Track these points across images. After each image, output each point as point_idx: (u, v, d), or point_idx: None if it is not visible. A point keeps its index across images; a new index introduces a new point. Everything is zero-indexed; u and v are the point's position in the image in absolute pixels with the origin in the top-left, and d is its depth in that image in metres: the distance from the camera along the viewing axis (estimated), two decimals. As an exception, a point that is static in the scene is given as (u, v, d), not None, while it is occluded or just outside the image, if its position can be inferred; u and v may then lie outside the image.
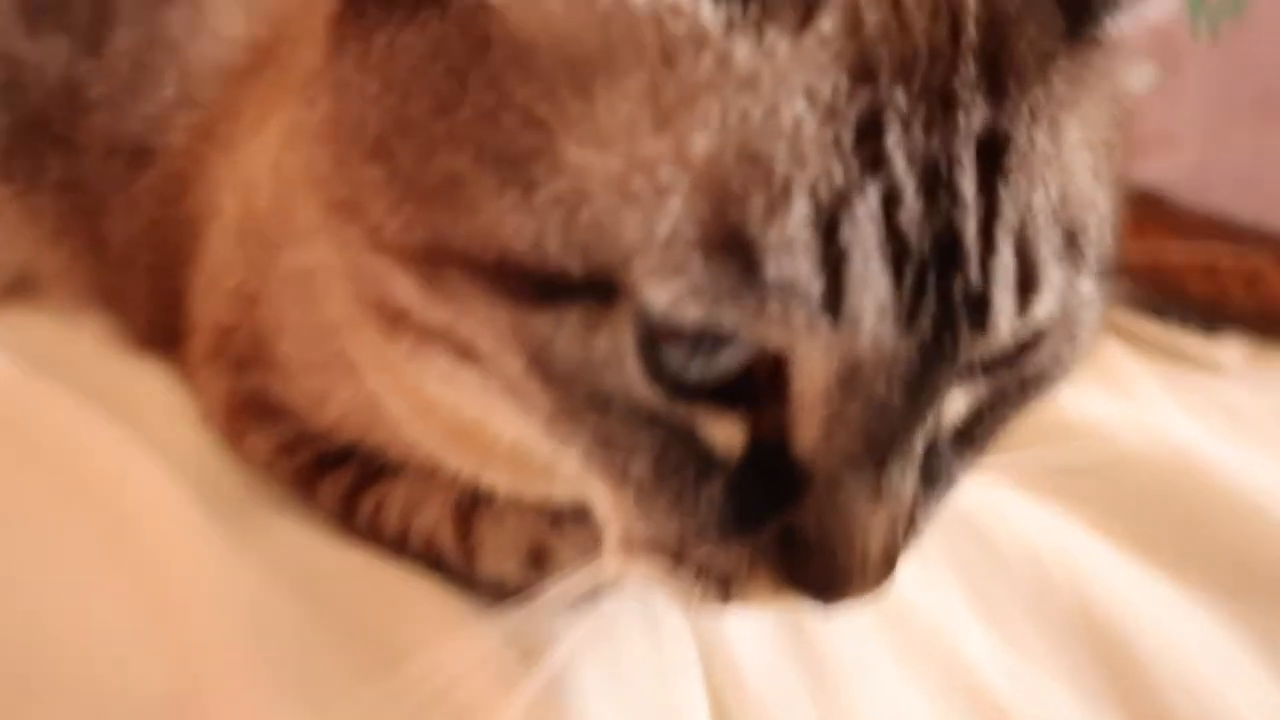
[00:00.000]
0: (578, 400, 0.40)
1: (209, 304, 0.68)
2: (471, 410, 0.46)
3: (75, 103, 0.76)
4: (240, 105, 0.70)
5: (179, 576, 0.54)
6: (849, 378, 0.39)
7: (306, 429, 0.64)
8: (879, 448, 0.41)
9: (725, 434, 0.42)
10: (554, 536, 0.59)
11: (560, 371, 0.40)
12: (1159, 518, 0.72)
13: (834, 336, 0.38)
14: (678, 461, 0.42)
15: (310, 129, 0.47)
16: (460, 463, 0.56)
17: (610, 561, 0.46)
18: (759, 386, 0.41)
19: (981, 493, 0.63)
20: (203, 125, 0.72)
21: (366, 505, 0.64)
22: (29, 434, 0.62)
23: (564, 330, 0.39)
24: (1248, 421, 0.83)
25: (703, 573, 0.44)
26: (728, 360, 0.40)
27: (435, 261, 0.41)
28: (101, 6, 0.77)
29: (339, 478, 0.65)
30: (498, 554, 0.60)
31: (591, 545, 0.51)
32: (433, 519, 0.62)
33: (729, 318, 0.37)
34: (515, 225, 0.38)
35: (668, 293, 0.37)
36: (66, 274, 0.80)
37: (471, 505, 0.61)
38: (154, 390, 0.73)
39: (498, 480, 0.56)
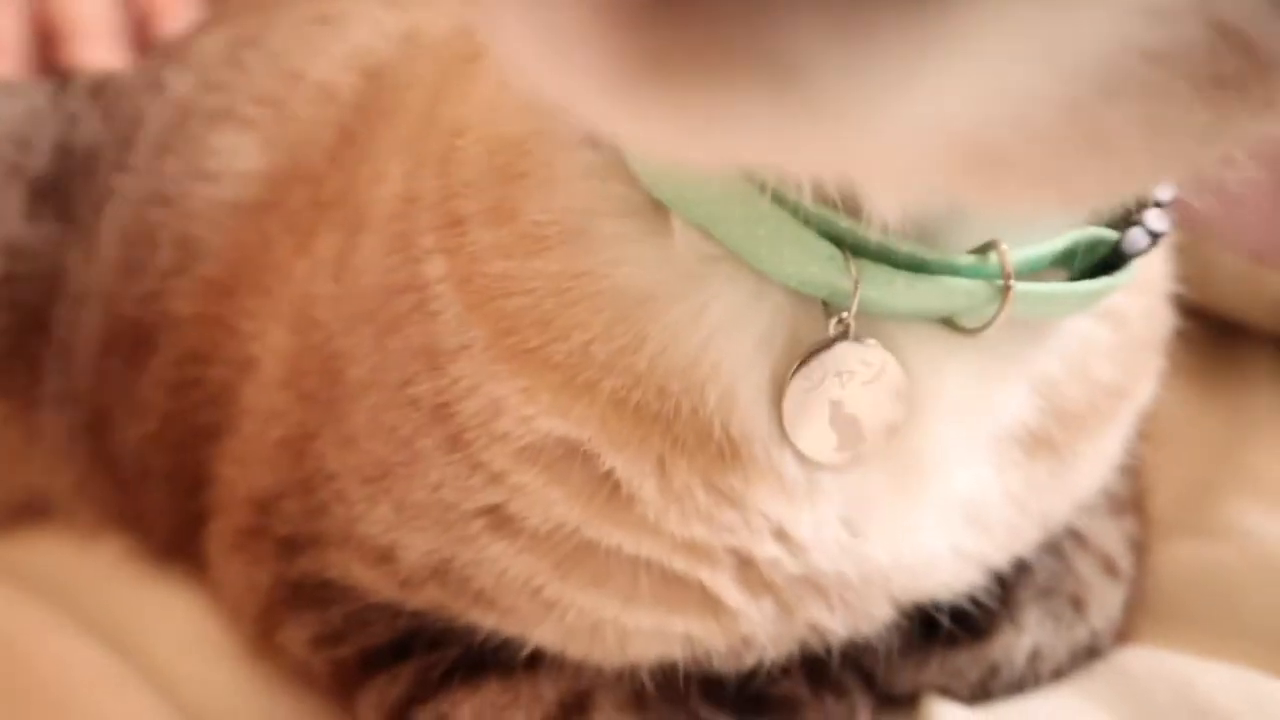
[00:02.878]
0: None
1: (245, 472, 0.58)
2: None
3: (65, 296, 0.67)
4: (265, 241, 0.62)
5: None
6: None
7: (368, 605, 0.53)
8: None
9: None
10: None
11: None
12: None
13: None
14: None
15: None
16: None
17: None
18: None
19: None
20: (215, 281, 0.63)
21: None
22: (13, 668, 0.55)
23: None
24: None
25: None
26: None
27: None
28: (101, 184, 0.68)
29: (388, 684, 0.53)
30: None
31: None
32: None
33: None
34: None
35: None
36: (78, 496, 0.70)
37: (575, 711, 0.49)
38: (169, 614, 0.64)
39: None
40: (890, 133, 0.21)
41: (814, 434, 0.43)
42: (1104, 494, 0.56)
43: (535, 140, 0.46)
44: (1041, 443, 0.48)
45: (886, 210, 0.38)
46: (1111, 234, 0.44)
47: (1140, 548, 0.61)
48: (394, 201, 0.51)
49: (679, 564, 0.45)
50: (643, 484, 0.44)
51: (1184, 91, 0.25)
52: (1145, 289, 0.52)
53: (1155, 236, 0.44)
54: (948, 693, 0.54)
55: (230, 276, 0.62)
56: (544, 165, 0.45)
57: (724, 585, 0.46)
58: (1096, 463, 0.53)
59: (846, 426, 0.43)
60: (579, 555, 0.46)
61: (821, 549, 0.45)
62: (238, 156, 0.65)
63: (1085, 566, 0.57)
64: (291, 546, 0.55)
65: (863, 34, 0.18)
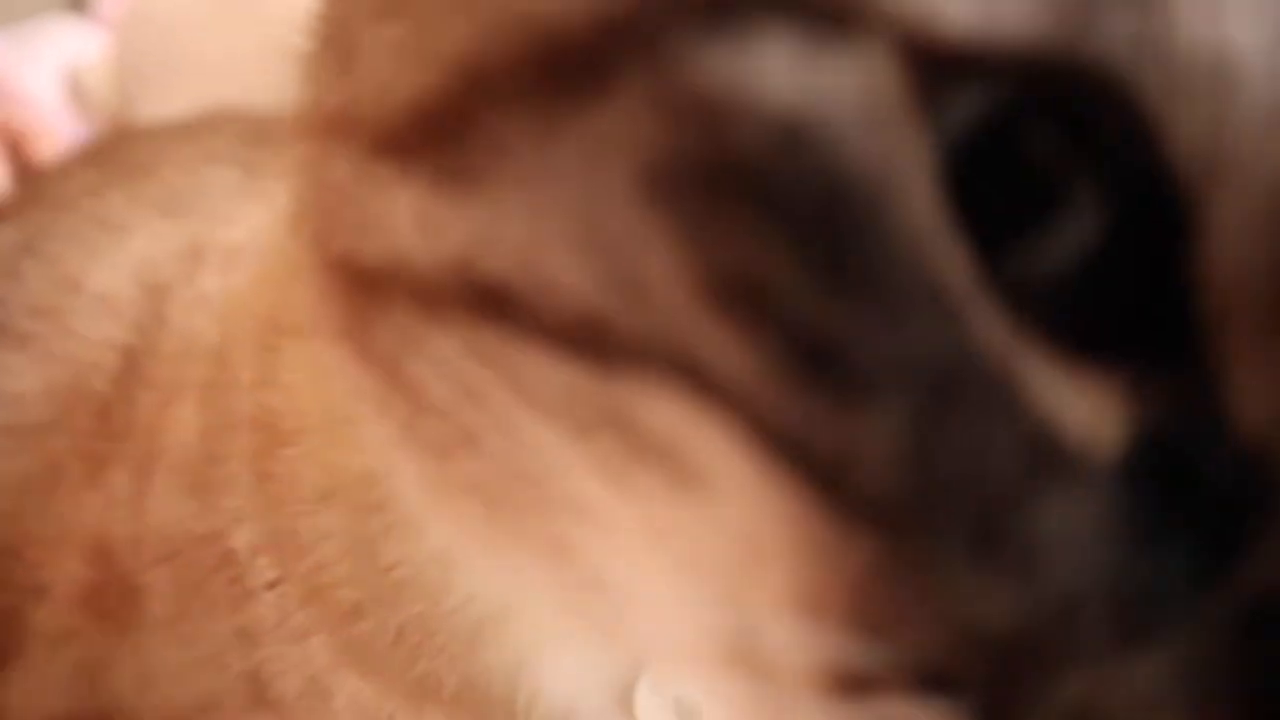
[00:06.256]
0: (728, 253, 0.22)
1: (33, 700, 0.56)
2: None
3: None
4: (52, 464, 0.60)
5: None
6: None
7: None
8: None
9: (1087, 410, 0.22)
10: None
11: (719, 183, 0.22)
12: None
13: None
14: (998, 466, 0.22)
15: None
16: None
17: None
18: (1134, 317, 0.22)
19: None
20: None
21: None
22: None
23: (745, 66, 0.22)
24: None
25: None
26: (1074, 228, 0.22)
27: (481, 84, 0.25)
28: None
29: None
30: None
31: None
32: None
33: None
34: None
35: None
36: None
37: None
38: None
39: None
40: None
41: None
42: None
43: (388, 485, 0.43)
44: None
45: None
46: None
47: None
48: (188, 450, 0.50)
49: None
50: None
51: None
52: None
53: None
54: None
55: (14, 503, 0.61)
56: (401, 514, 0.43)
57: None
58: None
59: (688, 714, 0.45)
60: None
61: None
62: (10, 376, 0.63)
63: None
64: None
65: None
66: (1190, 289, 0.22)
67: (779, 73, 0.21)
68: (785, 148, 0.21)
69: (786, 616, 0.25)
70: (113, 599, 0.53)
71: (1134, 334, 0.23)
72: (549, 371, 0.26)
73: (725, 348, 0.22)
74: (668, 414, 0.24)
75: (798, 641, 0.25)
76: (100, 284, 0.66)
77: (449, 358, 0.28)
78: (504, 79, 0.25)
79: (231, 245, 0.62)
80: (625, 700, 0.46)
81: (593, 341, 0.24)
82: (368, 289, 0.30)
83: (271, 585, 0.46)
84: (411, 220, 0.27)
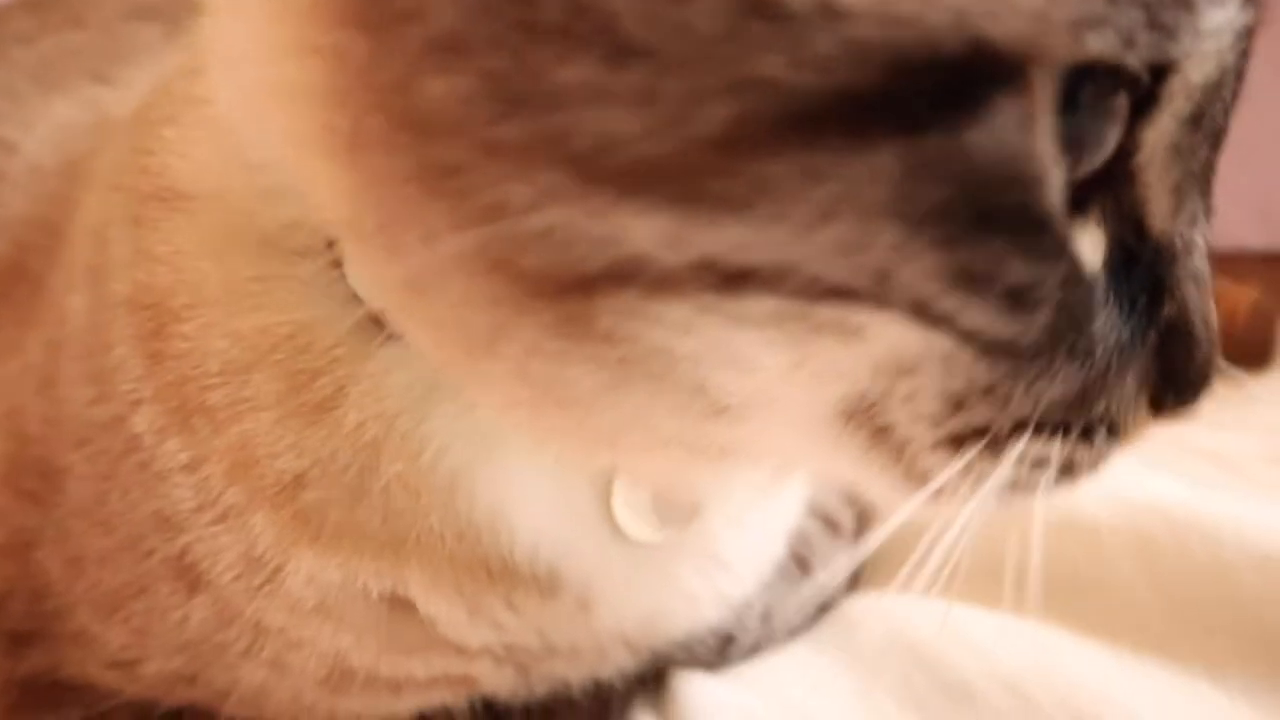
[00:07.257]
0: (967, 253, 0.33)
1: None
2: (697, 374, 0.35)
3: None
4: None
5: None
6: (1206, 99, 0.37)
7: (114, 707, 0.51)
8: (1206, 186, 0.40)
9: (1090, 243, 0.37)
10: None
11: (964, 211, 0.32)
12: (1147, 595, 0.59)
13: (1216, 36, 0.35)
14: (1069, 296, 0.35)
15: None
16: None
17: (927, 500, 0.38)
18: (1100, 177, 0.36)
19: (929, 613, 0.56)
20: None
21: None
22: None
23: (992, 139, 0.31)
24: (1232, 466, 0.70)
25: (1096, 427, 0.39)
26: (1101, 143, 0.35)
27: (743, 147, 0.31)
28: None
29: None
30: None
31: None
32: None
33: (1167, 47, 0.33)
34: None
35: (1108, 37, 0.32)
36: None
37: None
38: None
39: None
40: None
41: (637, 520, 0.48)
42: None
43: (314, 333, 0.43)
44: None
45: None
46: None
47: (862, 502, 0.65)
48: (83, 336, 0.48)
49: (458, 667, 0.49)
50: (451, 613, 0.47)
51: None
52: None
53: None
54: (691, 664, 0.58)
55: None
56: (346, 371, 0.43)
57: (484, 667, 0.50)
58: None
59: (664, 509, 0.48)
60: (355, 677, 0.48)
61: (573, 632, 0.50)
62: None
63: (808, 526, 0.61)
64: (21, 641, 0.53)
65: None
66: (1136, 150, 0.37)
67: (1010, 136, 0.31)
68: (1014, 186, 0.32)
69: (919, 405, 0.36)
70: (31, 478, 0.52)
71: (1106, 186, 0.37)
72: (768, 306, 0.33)
73: (952, 304, 0.33)
74: (858, 318, 0.34)
75: (924, 416, 0.37)
76: (33, 152, 0.64)
77: (671, 316, 0.34)
78: (764, 142, 0.31)
79: (122, 116, 0.58)
80: (596, 521, 0.47)
81: (823, 295, 0.33)
82: (586, 287, 0.34)
83: (188, 467, 0.44)
84: (652, 236, 0.32)
